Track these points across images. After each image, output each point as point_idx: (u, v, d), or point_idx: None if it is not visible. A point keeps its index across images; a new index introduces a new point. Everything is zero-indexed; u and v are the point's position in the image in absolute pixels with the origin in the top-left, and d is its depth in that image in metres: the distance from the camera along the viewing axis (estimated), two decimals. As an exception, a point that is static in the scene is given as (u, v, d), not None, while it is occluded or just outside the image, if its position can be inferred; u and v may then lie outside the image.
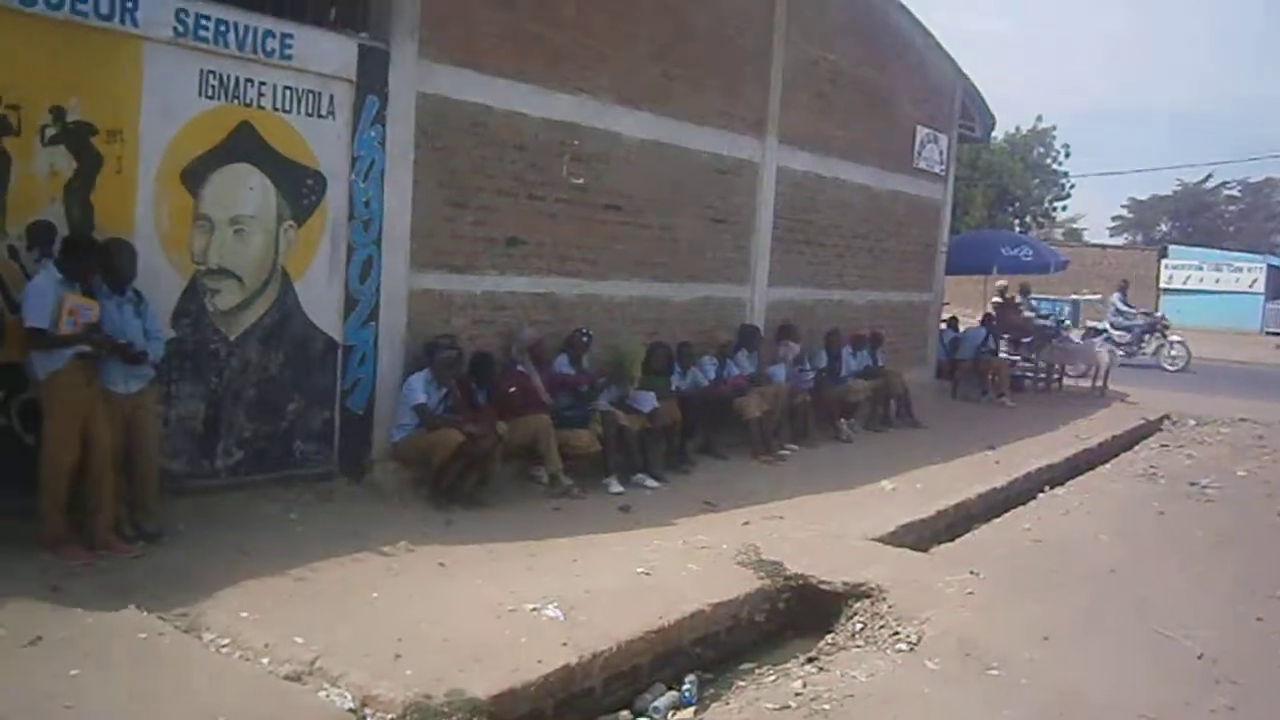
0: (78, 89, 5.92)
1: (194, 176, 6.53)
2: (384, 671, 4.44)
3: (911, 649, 5.31)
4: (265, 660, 4.56)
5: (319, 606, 5.22)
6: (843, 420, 11.80)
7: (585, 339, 8.99)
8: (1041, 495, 9.66)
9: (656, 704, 5.02)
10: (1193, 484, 10.22)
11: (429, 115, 7.85)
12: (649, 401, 9.10)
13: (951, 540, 7.86)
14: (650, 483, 8.70)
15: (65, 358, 5.59)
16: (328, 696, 4.29)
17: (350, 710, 4.20)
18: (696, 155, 10.65)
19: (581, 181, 9.26)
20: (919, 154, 15.03)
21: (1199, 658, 5.46)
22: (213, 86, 6.56)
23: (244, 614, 5.00)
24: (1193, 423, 14.72)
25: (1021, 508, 9.06)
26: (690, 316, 10.82)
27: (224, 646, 4.70)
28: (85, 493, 5.70)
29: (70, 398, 5.61)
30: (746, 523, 7.56)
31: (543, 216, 8.95)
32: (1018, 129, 43.58)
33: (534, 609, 5.33)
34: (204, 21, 6.42)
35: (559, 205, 9.10)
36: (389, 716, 4.17)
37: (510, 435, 7.79)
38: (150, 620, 4.81)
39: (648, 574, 6.13)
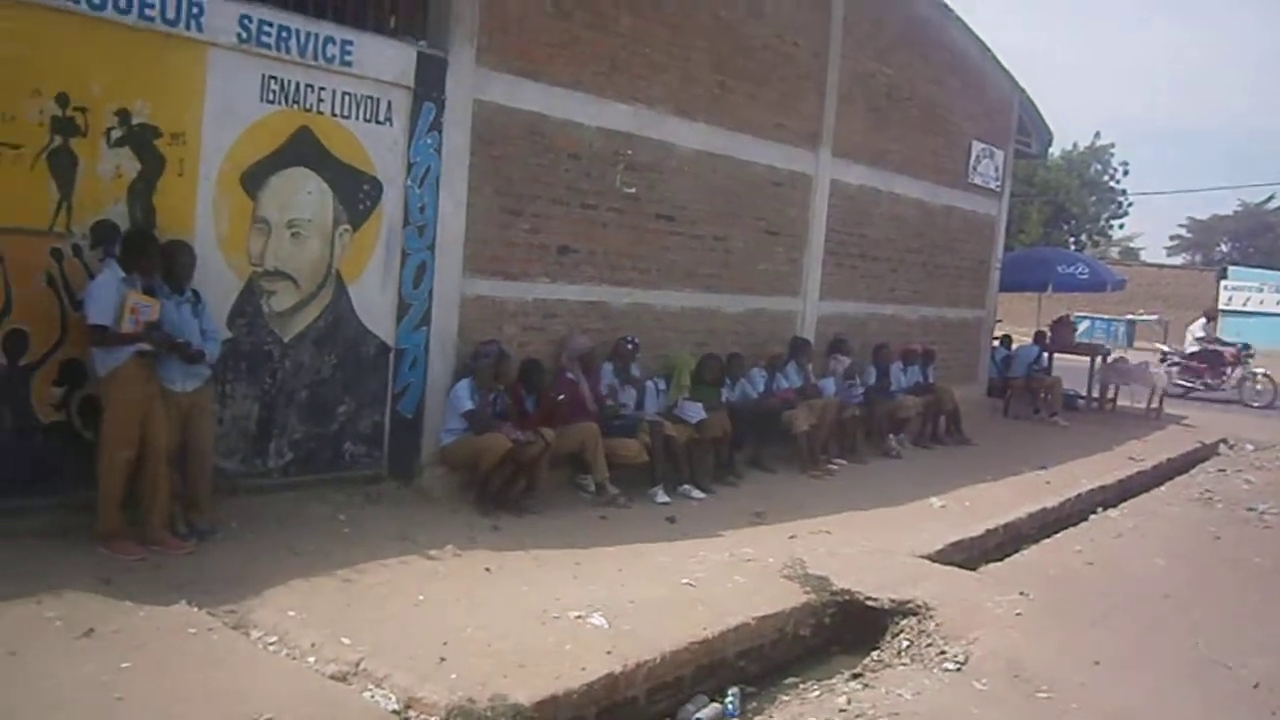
0: (143, 92, 6.03)
1: (253, 180, 6.63)
2: (428, 674, 4.47)
3: (959, 669, 5.23)
4: (311, 659, 4.61)
5: (365, 608, 5.26)
6: (892, 436, 11.71)
7: (631, 347, 9.00)
8: (1094, 517, 9.48)
9: (699, 715, 5.00)
10: (1250, 509, 9.99)
11: (485, 123, 7.91)
12: (697, 412, 9.08)
13: (1001, 560, 7.74)
14: (696, 494, 8.68)
15: (126, 355, 5.67)
16: (372, 697, 4.32)
17: (394, 712, 4.23)
18: (750, 167, 10.63)
19: (634, 191, 9.28)
20: (974, 169, 14.87)
21: (1255, 687, 5.33)
22: (274, 91, 6.66)
23: (291, 613, 5.05)
24: (1250, 448, 14.40)
25: (1073, 529, 8.89)
26: (741, 328, 10.79)
27: (271, 644, 4.75)
28: (140, 489, 5.78)
29: (129, 395, 5.70)
30: (793, 536, 7.51)
31: (595, 225, 8.98)
32: (1075, 145, 42.99)
33: (579, 617, 5.34)
34: (267, 28, 6.52)
35: (611, 214, 9.13)
36: (432, 719, 4.19)
37: (558, 443, 7.80)
38: (200, 616, 4.88)
39: (693, 585, 6.12)
